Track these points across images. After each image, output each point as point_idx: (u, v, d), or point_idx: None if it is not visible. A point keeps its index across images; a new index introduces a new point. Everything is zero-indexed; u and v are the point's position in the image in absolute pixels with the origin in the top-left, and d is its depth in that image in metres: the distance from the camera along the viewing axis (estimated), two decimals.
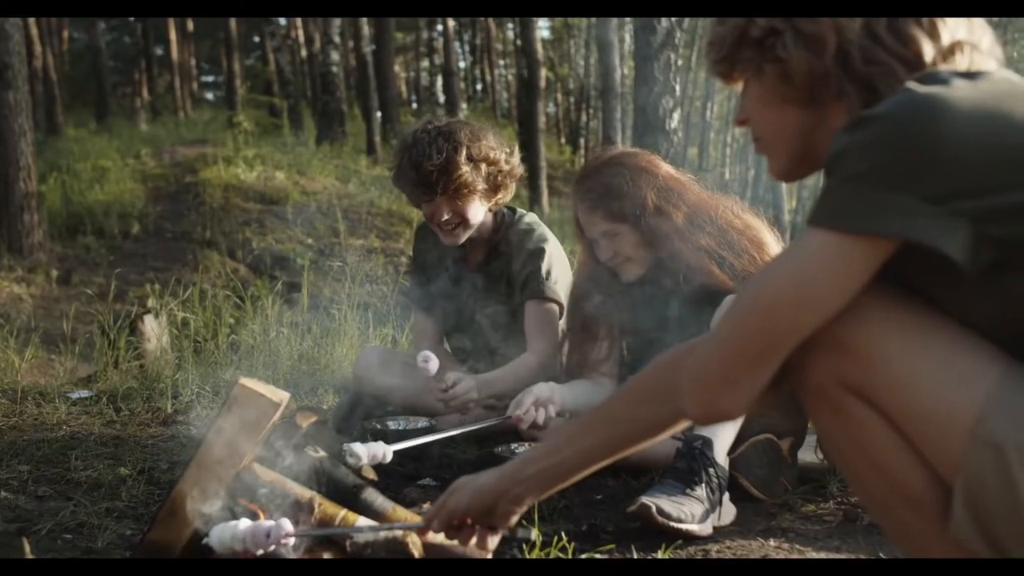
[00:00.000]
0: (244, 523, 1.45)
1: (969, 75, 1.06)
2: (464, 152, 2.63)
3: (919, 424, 1.07)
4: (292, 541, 1.45)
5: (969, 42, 1.14)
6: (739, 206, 2.39)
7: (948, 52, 1.13)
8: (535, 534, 1.42)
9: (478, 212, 2.73)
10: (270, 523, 1.43)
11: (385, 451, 1.89)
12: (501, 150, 2.73)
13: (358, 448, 1.84)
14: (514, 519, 1.39)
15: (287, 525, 1.44)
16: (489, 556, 1.62)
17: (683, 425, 1.33)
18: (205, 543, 1.49)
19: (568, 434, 1.35)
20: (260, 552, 1.44)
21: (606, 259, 2.40)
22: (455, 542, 1.60)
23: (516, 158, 2.79)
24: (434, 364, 2.46)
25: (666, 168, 2.40)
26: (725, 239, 2.29)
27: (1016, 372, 1.05)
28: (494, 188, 2.74)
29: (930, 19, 1.13)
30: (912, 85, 1.05)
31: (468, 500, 1.38)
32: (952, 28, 1.14)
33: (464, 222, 2.72)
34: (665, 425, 1.30)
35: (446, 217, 2.70)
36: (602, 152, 2.47)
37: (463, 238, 2.77)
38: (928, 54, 1.12)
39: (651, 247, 2.34)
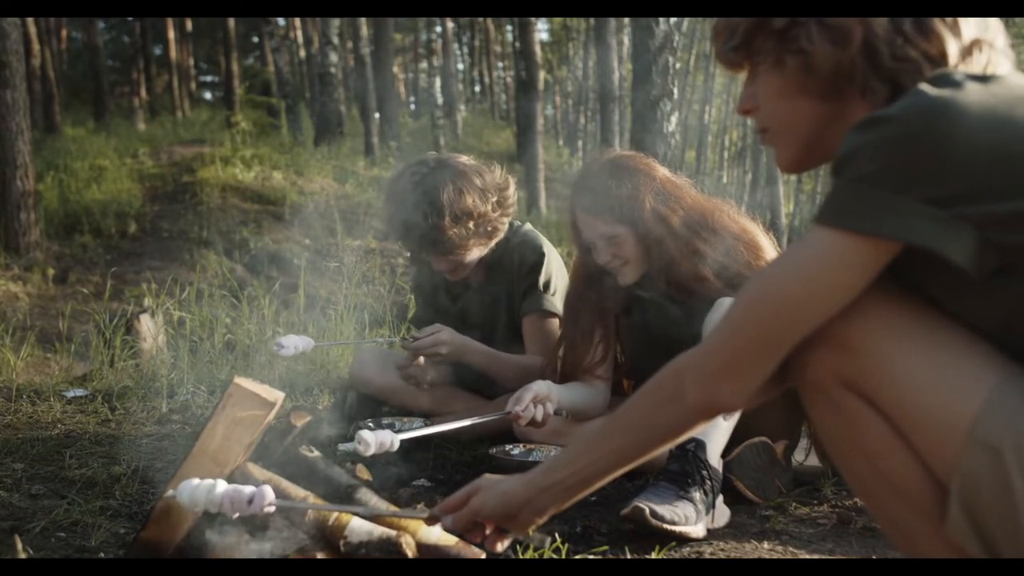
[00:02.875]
0: (221, 484, 1.39)
1: (982, 78, 1.05)
2: (448, 215, 2.56)
3: (917, 424, 1.07)
4: (272, 510, 1.39)
5: (986, 40, 1.13)
6: (735, 210, 2.39)
7: (967, 50, 1.12)
8: (548, 542, 1.41)
9: (475, 254, 2.72)
10: (252, 488, 1.38)
11: (393, 439, 1.89)
12: (488, 198, 2.63)
13: (367, 435, 1.84)
14: (532, 528, 1.37)
15: (269, 493, 1.38)
16: (483, 555, 1.62)
17: (702, 427, 1.31)
18: (171, 495, 1.44)
19: (588, 442, 1.32)
20: (236, 516, 1.38)
21: (603, 262, 2.39)
22: (452, 541, 1.61)
23: (509, 192, 2.70)
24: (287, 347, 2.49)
25: (663, 171, 2.39)
26: (721, 243, 2.30)
27: (1015, 375, 1.05)
28: (487, 235, 2.70)
29: (952, 17, 1.11)
30: (924, 87, 1.03)
31: (495, 504, 1.35)
32: (971, 26, 1.13)
33: (462, 266, 2.73)
34: (684, 427, 1.28)
35: (444, 267, 2.73)
36: (599, 155, 2.46)
37: (465, 274, 2.79)
38: (952, 52, 1.11)
39: (648, 250, 2.34)
